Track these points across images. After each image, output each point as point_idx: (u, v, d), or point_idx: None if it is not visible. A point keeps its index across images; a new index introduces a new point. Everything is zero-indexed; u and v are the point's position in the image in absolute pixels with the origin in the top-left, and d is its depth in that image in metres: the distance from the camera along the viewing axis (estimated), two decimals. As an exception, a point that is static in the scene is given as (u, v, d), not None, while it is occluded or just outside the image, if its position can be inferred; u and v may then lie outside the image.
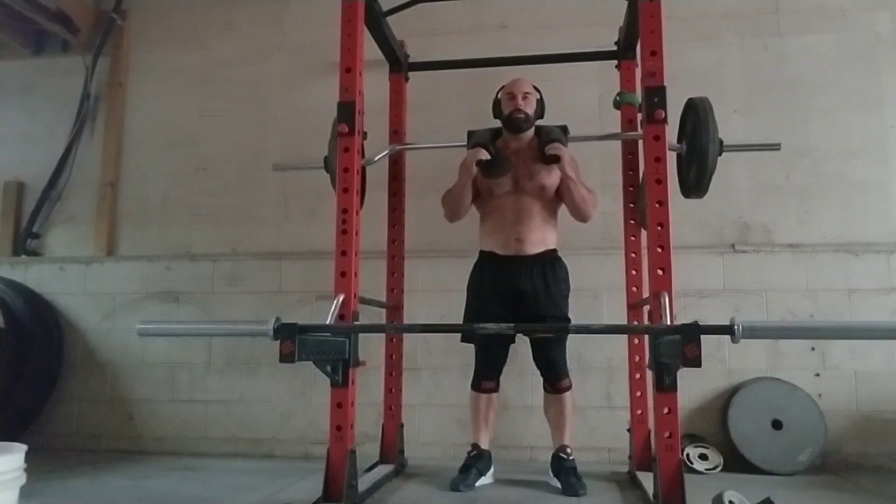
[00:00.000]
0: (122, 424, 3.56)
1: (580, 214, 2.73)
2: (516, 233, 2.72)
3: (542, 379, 2.78)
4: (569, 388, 2.73)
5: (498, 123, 2.84)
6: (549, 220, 2.78)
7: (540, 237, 2.74)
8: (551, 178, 2.73)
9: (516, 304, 2.71)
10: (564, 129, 2.78)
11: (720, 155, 2.54)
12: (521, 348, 2.96)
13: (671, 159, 2.41)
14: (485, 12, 3.65)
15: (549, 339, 2.72)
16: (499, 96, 2.84)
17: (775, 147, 2.73)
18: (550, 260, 2.76)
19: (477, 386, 2.79)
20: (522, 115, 2.71)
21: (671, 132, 2.46)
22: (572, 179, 2.66)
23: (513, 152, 2.77)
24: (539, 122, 2.80)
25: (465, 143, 2.80)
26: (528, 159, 2.75)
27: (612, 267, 3.11)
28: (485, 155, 2.67)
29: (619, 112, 3.05)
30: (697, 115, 2.57)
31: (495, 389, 2.79)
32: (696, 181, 2.60)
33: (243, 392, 3.50)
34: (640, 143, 2.71)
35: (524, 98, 2.73)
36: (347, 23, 2.49)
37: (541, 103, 2.81)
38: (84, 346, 3.65)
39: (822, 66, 3.41)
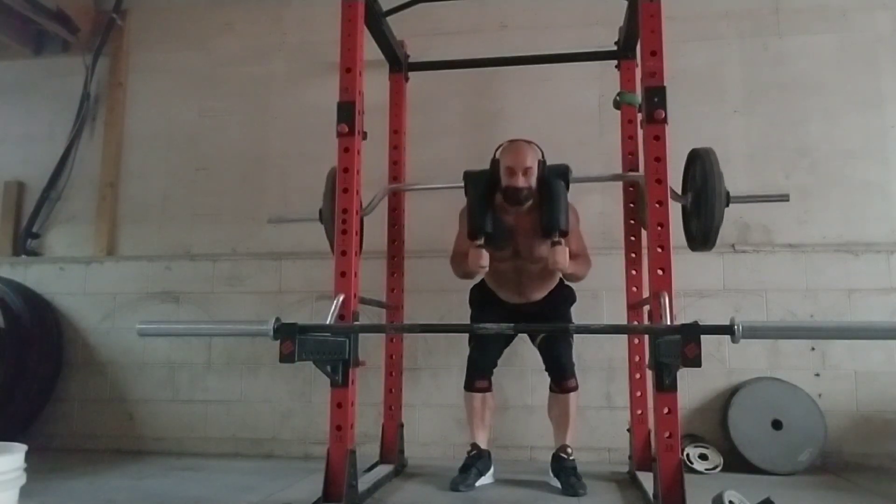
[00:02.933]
0: (122, 424, 3.56)
1: (573, 282, 2.78)
2: (518, 291, 2.80)
3: (544, 379, 2.78)
4: (575, 388, 2.73)
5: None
6: (550, 275, 2.77)
7: (542, 289, 2.80)
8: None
9: (521, 316, 2.76)
10: (566, 173, 2.67)
11: (727, 206, 2.47)
12: (521, 348, 2.96)
13: (673, 207, 2.34)
14: (485, 12, 3.65)
15: (555, 340, 2.73)
16: (497, 155, 2.70)
17: (784, 198, 2.71)
18: (554, 289, 2.83)
19: (470, 386, 2.79)
20: (523, 191, 2.61)
21: (674, 177, 2.37)
22: (569, 273, 2.66)
23: (513, 220, 2.69)
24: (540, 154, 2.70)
25: (462, 186, 2.75)
26: (527, 230, 2.68)
27: (612, 267, 3.11)
28: (486, 263, 2.60)
29: (619, 112, 3.04)
30: (703, 167, 2.48)
31: (489, 388, 2.80)
32: (703, 236, 2.52)
33: (243, 392, 3.50)
34: (641, 143, 2.71)
35: (525, 173, 2.59)
36: (347, 23, 2.49)
37: (542, 165, 2.66)
38: (84, 346, 3.65)
39: (822, 66, 3.41)
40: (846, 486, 2.71)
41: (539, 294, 2.81)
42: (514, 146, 2.66)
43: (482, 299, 2.88)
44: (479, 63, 3.34)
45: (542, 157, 2.68)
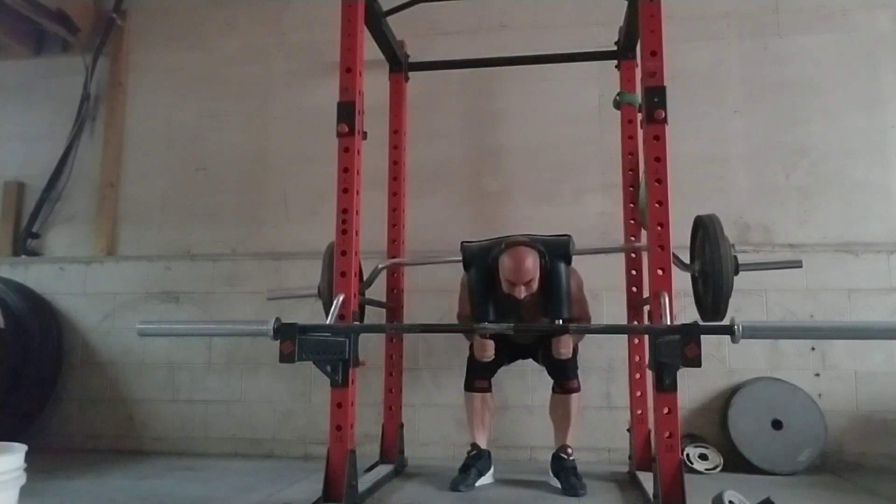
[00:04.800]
0: (122, 424, 3.56)
1: None
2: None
3: (544, 379, 2.79)
4: (577, 389, 2.72)
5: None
6: None
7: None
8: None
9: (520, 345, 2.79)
10: (566, 249, 2.61)
11: (737, 275, 2.42)
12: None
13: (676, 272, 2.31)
14: (485, 12, 3.65)
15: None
16: (495, 254, 2.60)
17: (797, 264, 2.66)
18: None
19: (471, 386, 2.79)
20: (525, 298, 2.57)
21: (679, 237, 2.33)
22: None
23: (515, 301, 2.61)
24: (536, 238, 2.65)
25: (461, 259, 2.69)
26: (530, 308, 2.65)
27: (612, 267, 3.11)
28: (492, 352, 2.66)
29: (619, 112, 3.05)
30: (708, 236, 2.45)
31: (489, 389, 2.80)
32: (713, 307, 2.43)
33: (243, 392, 3.50)
34: (640, 143, 2.71)
35: (527, 285, 2.54)
36: (347, 23, 2.49)
37: (543, 258, 2.58)
38: (84, 346, 3.65)
39: (822, 66, 3.41)
40: (846, 486, 2.71)
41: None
42: (514, 258, 2.54)
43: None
44: (479, 63, 3.34)
45: (542, 254, 2.58)
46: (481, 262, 2.66)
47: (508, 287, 2.57)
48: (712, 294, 2.42)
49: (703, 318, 2.55)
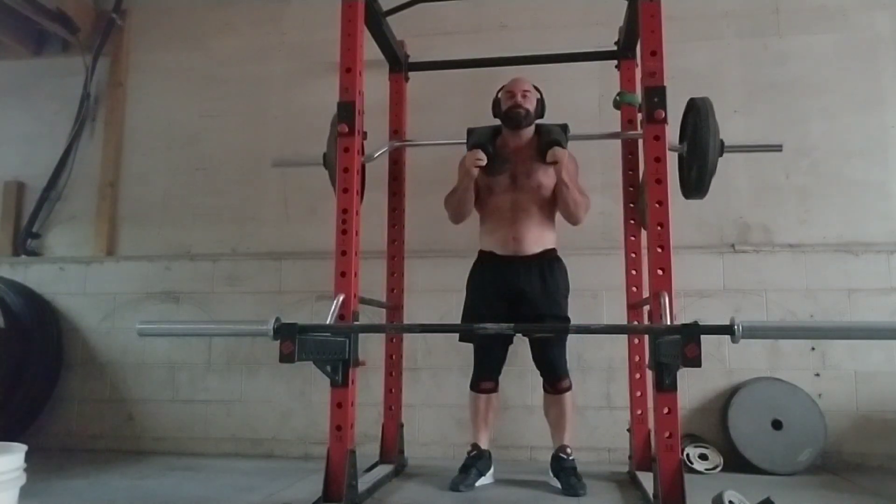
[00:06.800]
0: (122, 424, 3.56)
1: (570, 217, 2.73)
2: (514, 231, 2.73)
3: (542, 379, 2.78)
4: (569, 388, 2.72)
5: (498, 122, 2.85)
6: (547, 219, 2.79)
7: (537, 236, 2.74)
8: (549, 177, 2.73)
9: (516, 305, 2.70)
10: (565, 127, 2.78)
11: (721, 155, 2.56)
12: (521, 348, 2.95)
13: (672, 159, 2.41)
14: (485, 12, 3.65)
15: (548, 340, 2.71)
16: (499, 95, 2.85)
17: (776, 148, 2.75)
18: (549, 260, 2.76)
19: (476, 386, 2.79)
20: (522, 111, 2.72)
21: (672, 132, 2.46)
22: (566, 184, 2.65)
23: (511, 151, 2.78)
24: (539, 122, 2.80)
25: (465, 142, 2.81)
26: (526, 158, 2.76)
27: (612, 267, 3.11)
28: (483, 158, 2.68)
29: (619, 112, 3.05)
30: (699, 115, 2.57)
31: (494, 389, 2.79)
32: (696, 182, 2.62)
33: (243, 392, 3.50)
34: (641, 142, 2.71)
35: (524, 96, 2.74)
36: (347, 23, 2.50)
37: (541, 102, 2.82)
38: (84, 346, 3.65)
39: (822, 66, 3.41)
40: (846, 486, 2.71)
41: (532, 238, 2.73)
42: (515, 77, 2.84)
43: (478, 281, 2.80)
44: (479, 63, 3.33)
45: (541, 97, 2.82)
46: (483, 129, 2.84)
47: (507, 99, 2.75)
48: (697, 169, 2.58)
49: (686, 195, 2.74)
